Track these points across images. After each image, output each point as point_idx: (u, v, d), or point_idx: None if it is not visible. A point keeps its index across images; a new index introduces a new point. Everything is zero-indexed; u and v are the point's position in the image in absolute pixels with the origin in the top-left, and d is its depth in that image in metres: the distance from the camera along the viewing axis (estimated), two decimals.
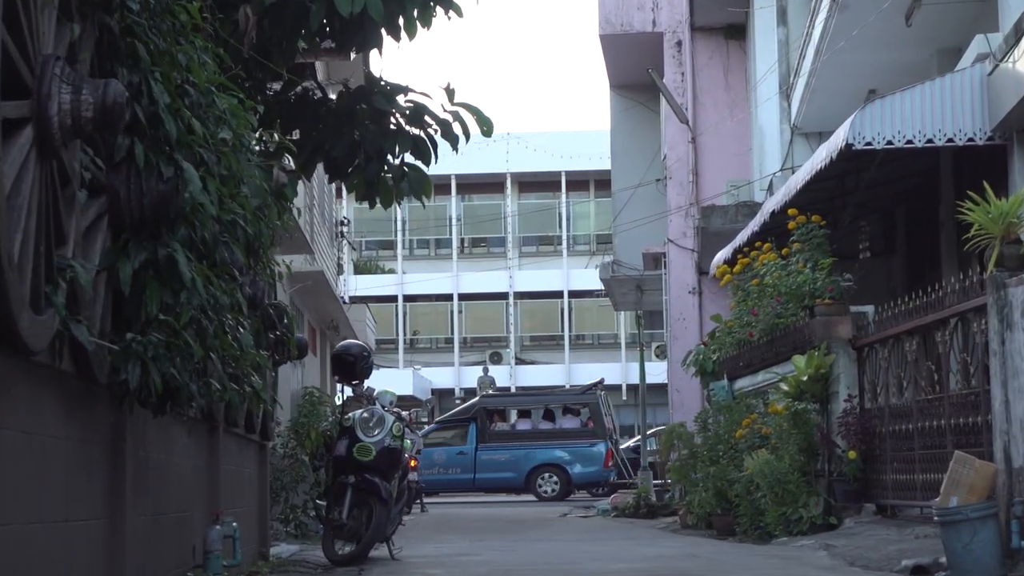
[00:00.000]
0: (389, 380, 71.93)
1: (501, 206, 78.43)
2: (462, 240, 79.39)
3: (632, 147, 34.19)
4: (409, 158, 11.64)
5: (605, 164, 72.75)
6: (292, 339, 11.59)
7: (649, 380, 53.61)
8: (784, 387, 16.94)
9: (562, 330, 77.77)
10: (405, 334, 77.88)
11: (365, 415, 13.63)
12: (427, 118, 11.24)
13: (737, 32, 29.31)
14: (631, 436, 76.62)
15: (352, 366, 13.89)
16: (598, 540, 18.46)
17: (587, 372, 76.44)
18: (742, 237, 21.33)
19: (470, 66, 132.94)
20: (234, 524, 9.93)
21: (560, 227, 78.64)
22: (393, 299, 77.05)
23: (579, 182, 78.38)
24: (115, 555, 7.25)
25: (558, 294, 77.49)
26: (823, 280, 17.07)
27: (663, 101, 30.95)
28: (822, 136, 23.69)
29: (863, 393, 16.48)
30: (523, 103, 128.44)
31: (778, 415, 17.96)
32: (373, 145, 11.30)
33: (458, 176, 76.79)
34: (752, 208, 24.54)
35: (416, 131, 11.35)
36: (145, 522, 8.02)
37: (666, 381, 68.54)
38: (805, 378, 16.48)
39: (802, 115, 23.42)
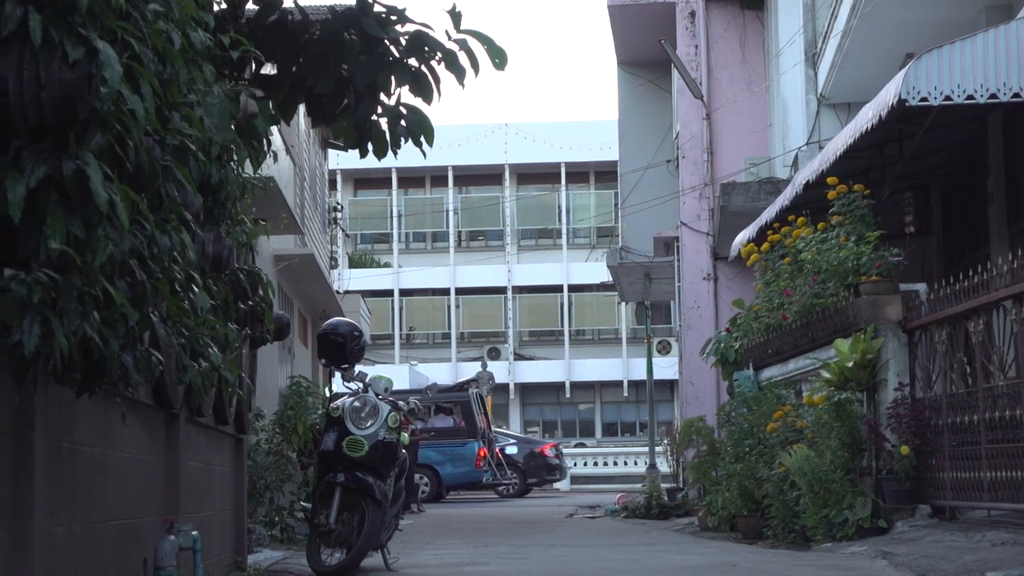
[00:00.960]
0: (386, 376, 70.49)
1: (499, 198, 76.78)
2: (459, 233, 77.80)
3: (641, 127, 32.41)
4: (407, 97, 9.78)
5: (606, 155, 71.87)
6: (268, 311, 9.74)
7: (654, 377, 52.04)
8: (826, 375, 15.15)
9: (562, 325, 76.15)
10: (401, 329, 76.24)
11: (356, 404, 11.85)
12: (428, 49, 9.37)
13: (754, 2, 27.52)
14: (632, 434, 75.54)
15: (341, 347, 12.01)
16: (616, 545, 16.68)
17: (588, 368, 75.00)
18: (769, 213, 19.54)
19: None
20: (194, 533, 8.11)
21: (560, 220, 77.03)
22: (389, 293, 75.49)
23: (579, 173, 76.81)
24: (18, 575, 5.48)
25: (558, 288, 75.92)
26: (869, 255, 15.29)
27: (675, 76, 29.17)
28: (851, 108, 21.93)
29: (914, 381, 14.72)
30: (522, 92, 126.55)
31: (815, 406, 16.22)
32: (364, 80, 9.45)
33: (455, 168, 75.29)
34: (776, 185, 22.76)
35: (415, 64, 9.49)
36: (68, 533, 6.23)
37: (670, 377, 67.20)
38: (850, 364, 14.70)
39: (831, 84, 21.63)
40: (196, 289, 6.76)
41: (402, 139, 9.70)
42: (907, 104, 14.25)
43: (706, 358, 22.13)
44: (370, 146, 9.80)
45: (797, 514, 16.13)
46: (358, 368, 12.39)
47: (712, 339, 22.06)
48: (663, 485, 30.77)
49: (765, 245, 18.97)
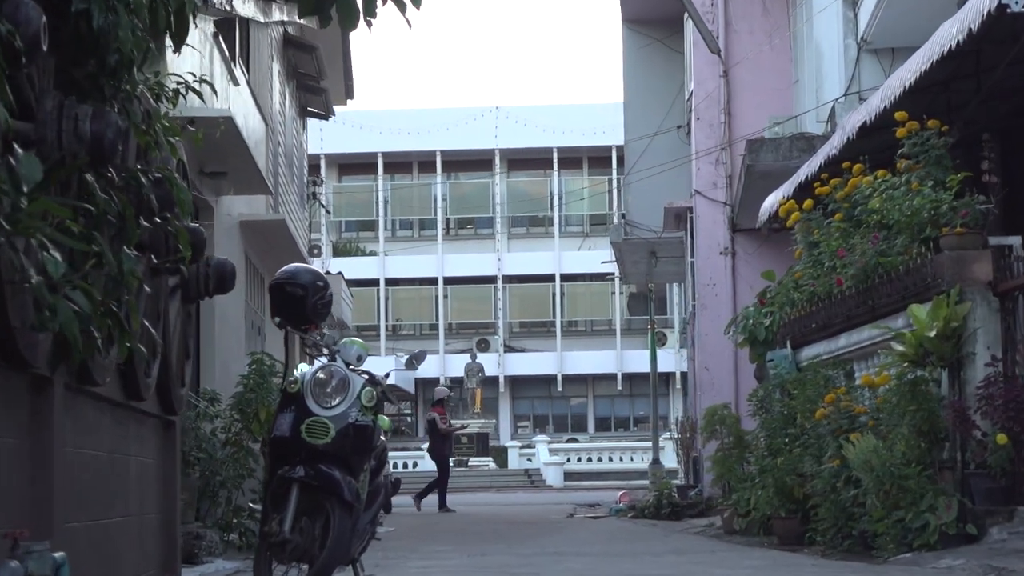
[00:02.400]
0: (370, 368, 67.79)
1: (489, 185, 74.36)
2: (448, 221, 75.30)
3: (648, 91, 29.68)
4: None
5: (600, 139, 69.31)
6: (182, 232, 6.86)
7: (646, 370, 49.42)
8: (899, 347, 12.43)
9: (553, 316, 73.65)
10: (387, 320, 73.61)
11: (321, 376, 9.07)
12: None
13: None
14: (626, 429, 73.01)
15: (300, 302, 9.18)
16: (640, 555, 13.96)
17: (580, 360, 72.44)
18: (811, 167, 16.81)
19: (456, 34, 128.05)
20: (57, 555, 5.33)
21: (552, 207, 74.45)
22: (375, 283, 72.97)
23: (572, 159, 74.33)
24: None
25: (549, 278, 73.42)
26: (950, 203, 12.58)
27: (688, 31, 26.48)
28: (896, 54, 19.29)
29: (1007, 355, 12.03)
30: (513, 75, 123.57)
31: (876, 388, 13.53)
32: None
33: (444, 153, 72.76)
34: (811, 141, 20.05)
35: None
36: None
37: (667, 370, 64.58)
38: (932, 334, 11.98)
39: (875, 24, 18.96)
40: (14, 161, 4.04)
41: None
42: (1008, 10, 11.53)
43: (732, 337, 19.41)
44: (335, 13, 6.94)
45: (853, 516, 13.48)
46: (325, 332, 9.61)
47: (739, 315, 19.34)
48: (673, 482, 28.15)
49: (808, 202, 16.26)
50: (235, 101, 20.01)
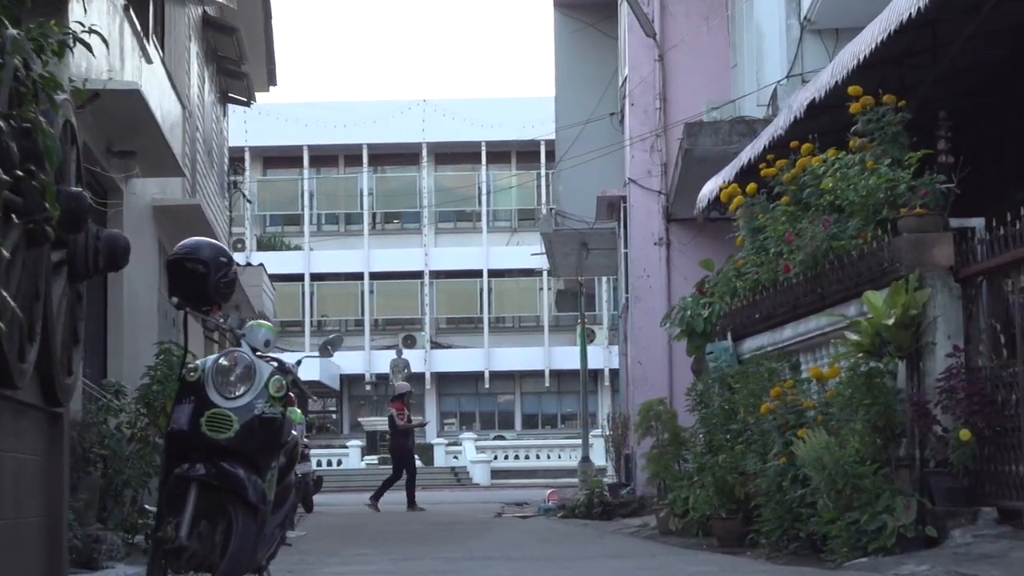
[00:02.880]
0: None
1: (416, 179, 73.30)
2: (374, 215, 74.17)
3: (580, 77, 28.81)
4: None
5: (529, 133, 68.36)
6: (49, 189, 5.81)
7: (574, 366, 48.69)
8: (853, 336, 11.59)
9: (481, 312, 72.68)
10: (312, 316, 72.41)
11: (224, 362, 8.11)
12: None
13: None
14: (553, 426, 72.13)
15: (202, 280, 8.23)
16: (574, 559, 13.06)
17: (507, 357, 71.52)
18: (754, 149, 15.98)
19: (383, 25, 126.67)
20: None
21: (480, 202, 73.48)
22: (299, 277, 71.76)
23: (500, 153, 73.35)
24: None
25: (477, 273, 72.44)
26: (908, 182, 11.75)
27: (622, 14, 25.65)
28: (841, 35, 18.49)
29: (969, 345, 11.22)
30: (441, 67, 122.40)
31: (825, 381, 12.72)
32: None
33: (370, 146, 71.67)
34: (751, 125, 19.23)
35: None
36: None
37: (596, 366, 63.85)
38: (891, 322, 11.14)
39: (819, 3, 18.16)
40: None
41: None
42: None
43: (669, 329, 18.55)
44: None
45: (801, 517, 12.67)
46: (231, 316, 8.64)
47: (676, 306, 18.49)
48: (604, 480, 27.37)
49: (751, 186, 15.42)
50: (148, 80, 18.97)
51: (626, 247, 24.91)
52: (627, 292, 24.92)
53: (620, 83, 26.49)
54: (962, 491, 10.92)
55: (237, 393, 8.08)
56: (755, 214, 15.31)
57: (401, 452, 28.66)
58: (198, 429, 7.94)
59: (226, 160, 31.96)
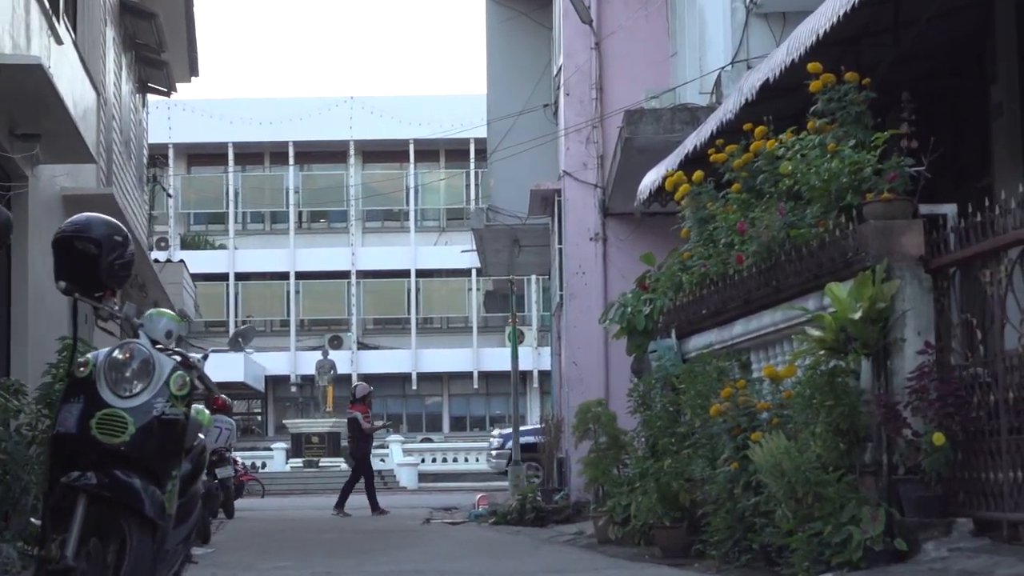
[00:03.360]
0: (217, 366, 65.49)
1: (343, 177, 72.24)
2: (300, 213, 73.18)
3: (513, 67, 27.85)
4: None
5: (458, 132, 67.44)
6: None
7: (503, 368, 47.70)
8: (815, 332, 10.68)
9: (408, 312, 71.76)
10: (237, 316, 71.19)
11: (118, 356, 7.11)
12: None
13: None
14: (482, 429, 71.08)
15: (93, 261, 7.19)
16: (510, 574, 12.07)
17: (435, 358, 70.61)
18: (699, 136, 15.06)
19: (310, 20, 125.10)
20: None
21: (408, 201, 72.54)
22: (224, 277, 70.59)
23: (429, 152, 72.52)
24: None
25: (405, 273, 71.56)
26: (874, 165, 10.85)
27: (557, 1, 24.69)
28: (787, 18, 17.69)
29: (941, 341, 10.34)
30: (369, 63, 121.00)
31: (781, 381, 11.84)
32: None
33: (296, 144, 70.66)
34: (694, 113, 18.34)
35: None
36: None
37: (525, 368, 62.89)
38: (857, 316, 10.24)
39: None
40: None
41: None
42: None
43: (608, 325, 17.62)
44: None
45: (754, 528, 11.78)
46: (125, 304, 7.61)
47: (615, 302, 17.56)
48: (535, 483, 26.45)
49: (698, 174, 14.51)
50: (58, 61, 17.91)
51: (561, 243, 23.98)
52: (561, 290, 23.99)
53: (555, 73, 25.57)
54: (935, 500, 10.02)
55: (133, 391, 7.09)
56: (702, 203, 14.40)
57: (362, 455, 27.66)
58: (88, 432, 6.94)
59: (145, 152, 30.82)
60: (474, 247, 31.41)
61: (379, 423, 30.58)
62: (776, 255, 12.03)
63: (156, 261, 30.80)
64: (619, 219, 22.99)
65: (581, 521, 21.36)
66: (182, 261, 32.58)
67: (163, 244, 69.02)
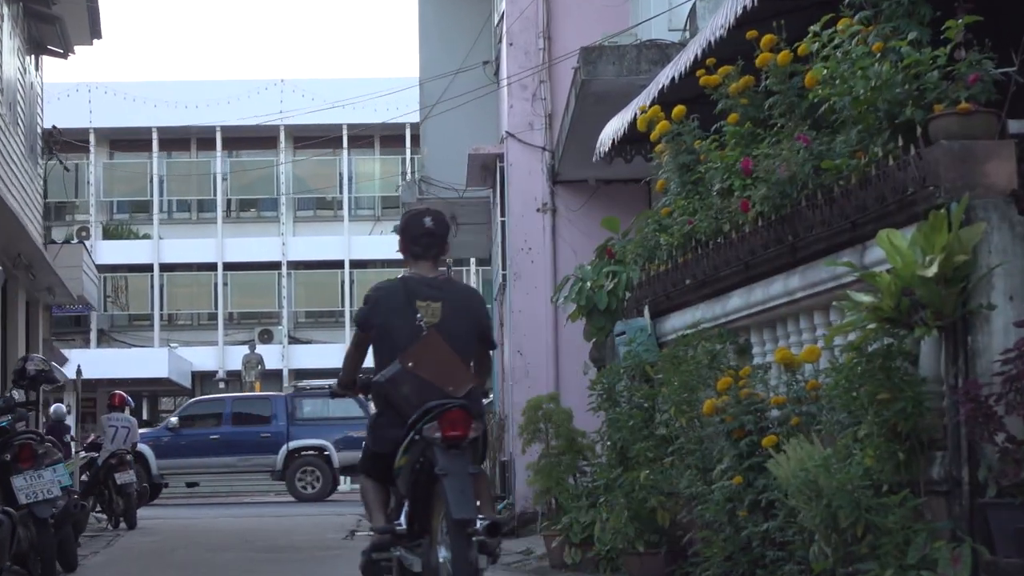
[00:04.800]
0: (142, 361, 62.20)
1: (273, 163, 68.76)
2: (228, 202, 69.56)
3: (448, 18, 24.71)
4: None
5: (393, 115, 64.21)
6: None
7: None
8: (863, 298, 7.66)
9: (343, 305, 68.34)
10: (162, 309, 67.74)
11: None
12: None
13: None
14: None
15: None
16: None
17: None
18: (677, 67, 11.96)
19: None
20: None
21: (341, 188, 69.24)
22: (148, 268, 67.05)
23: (362, 137, 69.03)
24: None
25: (338, 264, 68.08)
26: (942, 67, 7.85)
27: None
28: None
29: None
30: (299, 44, 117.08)
31: (797, 368, 8.92)
32: None
33: (224, 128, 66.99)
34: (665, 51, 15.35)
35: None
36: None
37: None
38: (931, 273, 7.24)
39: None
40: None
41: None
42: None
43: (563, 303, 14.54)
44: None
45: (763, 562, 8.86)
46: None
47: (571, 277, 14.50)
48: None
49: (679, 108, 11.52)
50: None
51: (503, 215, 20.93)
52: (504, 269, 20.93)
53: (496, 22, 22.50)
54: None
55: None
56: (685, 146, 11.41)
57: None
58: None
59: (40, 120, 27.53)
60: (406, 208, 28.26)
61: None
62: (794, 200, 9.03)
63: (52, 242, 27.57)
64: (571, 187, 20.03)
65: (528, 536, 18.43)
66: (81, 243, 29.35)
67: (84, 234, 65.67)
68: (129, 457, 24.53)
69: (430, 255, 8.84)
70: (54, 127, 28.06)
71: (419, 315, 8.49)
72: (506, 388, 21.90)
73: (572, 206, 19.95)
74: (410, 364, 8.28)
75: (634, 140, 14.43)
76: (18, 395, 13.39)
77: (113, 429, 24.33)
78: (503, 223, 20.94)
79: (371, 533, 8.67)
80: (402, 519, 8.36)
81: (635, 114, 12.85)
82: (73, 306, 30.10)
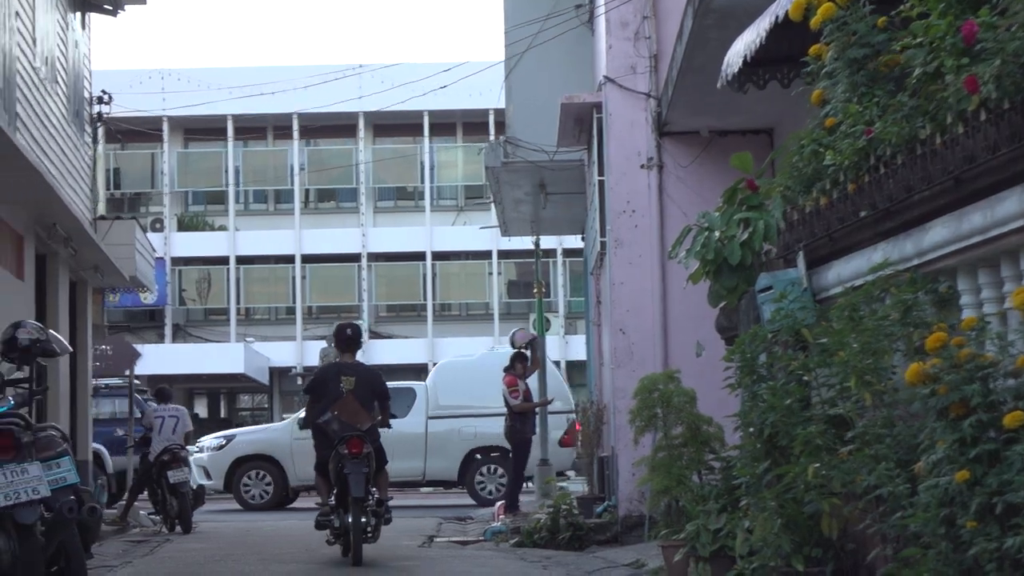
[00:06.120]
0: (218, 357, 60.01)
1: (352, 152, 66.56)
2: (306, 192, 67.53)
3: None
4: None
5: (476, 102, 61.81)
6: None
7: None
8: None
9: (424, 298, 66.07)
10: (238, 303, 65.68)
11: None
12: None
13: None
14: None
15: None
16: None
17: (454, 347, 64.88)
18: None
19: None
20: None
21: (423, 178, 66.92)
22: (224, 261, 65.03)
23: (445, 124, 66.90)
24: None
25: (420, 256, 65.79)
26: None
27: None
28: None
29: None
30: (379, 29, 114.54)
31: None
32: None
33: (301, 116, 64.74)
34: None
35: None
36: None
37: (554, 359, 57.46)
38: None
39: None
40: None
41: None
42: None
43: (684, 261, 11.74)
44: None
45: None
46: None
47: (692, 227, 11.71)
48: (568, 488, 20.88)
49: None
50: None
51: (601, 174, 18.21)
52: (603, 236, 18.20)
53: None
54: None
55: None
56: (853, 37, 8.64)
57: (515, 439, 21.78)
58: None
59: (86, 84, 25.06)
60: (491, 197, 25.62)
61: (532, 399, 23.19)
62: None
63: (102, 218, 25.13)
64: (680, 140, 17.37)
65: (634, 543, 15.80)
66: (134, 218, 26.75)
67: (158, 226, 63.85)
68: (184, 453, 22.05)
69: (351, 350, 15.50)
70: (103, 91, 25.53)
71: (342, 385, 14.93)
72: (604, 374, 19.26)
73: (682, 161, 17.28)
74: (336, 412, 14.76)
75: (769, 62, 11.80)
76: (6, 369, 10.83)
77: (160, 420, 21.88)
78: (601, 183, 18.23)
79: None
80: (332, 498, 14.80)
81: (775, 18, 10.10)
82: (127, 290, 27.58)
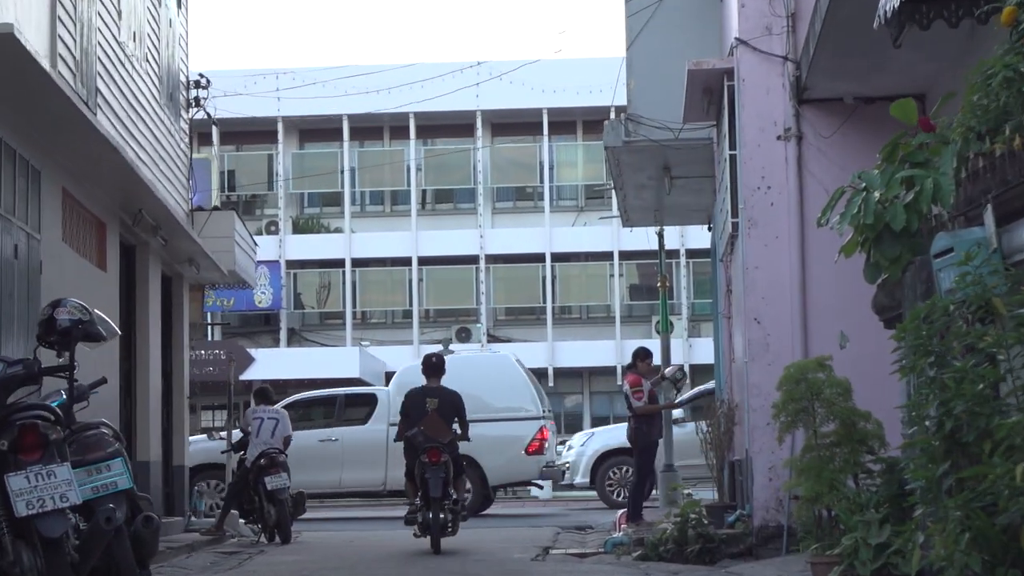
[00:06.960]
0: (332, 361, 58.89)
1: (470, 152, 65.29)
2: (423, 193, 66.39)
3: None
4: None
5: (596, 99, 60.12)
6: None
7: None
8: None
9: (544, 301, 64.71)
10: (355, 306, 64.64)
11: None
12: None
13: None
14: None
15: None
16: None
17: (574, 352, 63.63)
18: None
19: None
20: None
21: (542, 178, 65.50)
22: (340, 263, 64.10)
23: (565, 123, 65.55)
24: None
25: (539, 258, 64.42)
26: None
27: None
28: None
29: None
30: (494, 26, 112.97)
31: None
32: None
33: (418, 115, 63.66)
34: None
35: None
36: None
37: (677, 363, 55.68)
38: None
39: None
40: None
41: None
42: None
43: (837, 228, 9.99)
44: None
45: None
46: None
47: (845, 189, 9.96)
48: (695, 496, 19.08)
49: None
50: None
51: (733, 148, 16.49)
52: (735, 216, 16.46)
53: None
54: None
55: None
56: None
57: (639, 443, 20.10)
58: None
59: (183, 67, 23.71)
60: (610, 182, 23.93)
61: (660, 399, 21.75)
62: None
63: (200, 209, 23.77)
64: (821, 108, 15.62)
65: (770, 556, 14.09)
66: (233, 210, 25.39)
67: (273, 228, 63.06)
68: (282, 458, 20.58)
69: (436, 376, 18.15)
70: (201, 75, 24.16)
71: (428, 405, 17.71)
72: (736, 370, 17.53)
73: (823, 131, 15.52)
74: (422, 428, 17.42)
75: None
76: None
77: (258, 421, 20.49)
78: (732, 158, 16.51)
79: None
80: (418, 499, 17.28)
81: None
82: (226, 285, 26.22)
